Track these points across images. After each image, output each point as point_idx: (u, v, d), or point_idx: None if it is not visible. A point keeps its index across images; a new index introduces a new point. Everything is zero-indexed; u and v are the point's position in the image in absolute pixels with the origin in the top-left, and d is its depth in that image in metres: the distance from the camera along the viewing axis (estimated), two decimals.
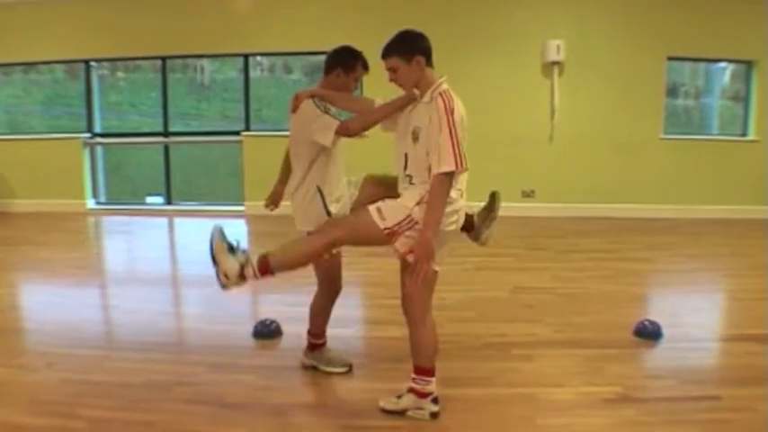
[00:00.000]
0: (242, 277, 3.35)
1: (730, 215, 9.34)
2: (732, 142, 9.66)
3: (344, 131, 3.48)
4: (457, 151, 3.07)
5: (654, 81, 9.35)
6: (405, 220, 3.21)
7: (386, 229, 3.22)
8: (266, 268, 3.35)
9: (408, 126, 3.29)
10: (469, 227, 3.78)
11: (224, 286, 3.38)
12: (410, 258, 3.21)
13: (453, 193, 3.21)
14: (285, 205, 3.87)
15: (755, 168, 9.36)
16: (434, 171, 3.11)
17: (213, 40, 9.68)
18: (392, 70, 3.28)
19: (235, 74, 10.89)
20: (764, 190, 9.32)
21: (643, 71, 9.27)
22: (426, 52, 3.25)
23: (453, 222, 3.28)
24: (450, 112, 3.10)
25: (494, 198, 3.87)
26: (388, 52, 3.26)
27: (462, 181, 3.28)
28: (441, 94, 3.16)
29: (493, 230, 3.85)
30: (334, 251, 3.71)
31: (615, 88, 9.29)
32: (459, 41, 9.16)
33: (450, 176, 3.10)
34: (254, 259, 3.36)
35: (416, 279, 3.14)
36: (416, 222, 3.19)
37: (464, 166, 3.10)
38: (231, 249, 3.39)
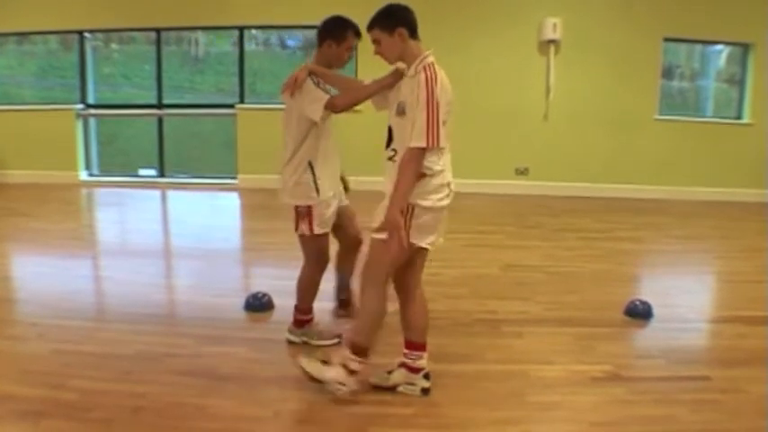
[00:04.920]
0: (352, 373, 3.36)
1: (722, 197, 9.36)
2: (726, 125, 9.67)
3: (332, 107, 3.52)
4: (432, 128, 3.05)
5: (650, 62, 9.33)
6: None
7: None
8: (361, 351, 3.37)
9: (396, 102, 3.29)
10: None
11: (345, 392, 3.39)
12: (378, 236, 3.21)
13: (437, 166, 3.19)
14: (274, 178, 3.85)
15: (749, 151, 9.38)
16: (407, 145, 3.10)
17: (208, 13, 9.59)
18: (376, 42, 3.28)
19: (229, 47, 10.84)
20: (757, 173, 9.34)
21: (639, 51, 9.24)
22: (410, 24, 3.23)
23: (445, 197, 3.26)
24: (431, 87, 3.07)
25: None
26: (371, 24, 3.27)
27: (445, 155, 3.25)
28: (425, 67, 3.14)
29: None
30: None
31: (611, 68, 9.26)
32: (457, 17, 9.10)
33: (421, 152, 3.09)
34: (347, 352, 3.37)
35: (390, 252, 3.16)
36: (413, 206, 3.18)
37: (436, 143, 3.07)
38: (323, 362, 3.43)
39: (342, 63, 3.78)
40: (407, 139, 3.10)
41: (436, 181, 3.20)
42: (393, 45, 3.23)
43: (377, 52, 3.31)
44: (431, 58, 3.20)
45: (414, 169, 3.10)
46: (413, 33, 3.24)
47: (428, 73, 3.10)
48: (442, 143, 3.10)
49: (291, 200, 3.75)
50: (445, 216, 3.35)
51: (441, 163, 3.22)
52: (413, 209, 3.19)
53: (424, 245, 3.28)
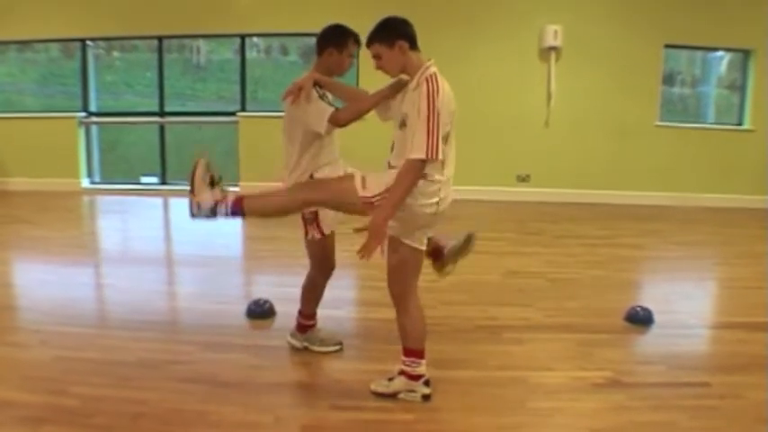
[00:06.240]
0: (213, 213, 3.36)
1: (723, 204, 9.37)
2: (727, 131, 9.67)
3: (335, 121, 3.47)
4: (432, 140, 3.02)
5: (651, 68, 9.34)
6: (383, 192, 3.17)
7: (363, 197, 3.20)
8: (239, 209, 3.36)
9: (400, 114, 3.28)
10: (437, 256, 3.81)
11: (193, 215, 3.38)
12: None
13: (440, 176, 3.19)
14: None
15: (750, 158, 9.40)
16: (406, 155, 3.08)
17: (209, 21, 9.62)
18: (377, 57, 3.26)
19: (230, 55, 10.86)
20: (758, 179, 9.35)
21: (640, 58, 9.25)
22: (409, 37, 3.22)
23: (434, 204, 3.21)
24: (432, 98, 3.05)
25: (469, 241, 3.89)
26: (371, 40, 3.25)
27: (450, 165, 3.25)
28: (427, 79, 3.11)
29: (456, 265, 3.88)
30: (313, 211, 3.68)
31: (612, 75, 9.27)
32: (457, 25, 9.13)
33: (420, 164, 3.06)
34: (230, 197, 3.37)
35: (365, 255, 3.14)
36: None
37: (436, 155, 3.04)
38: (212, 183, 3.39)
39: (343, 70, 3.75)
40: (407, 150, 3.10)
41: (430, 188, 3.18)
42: (394, 58, 3.22)
43: (378, 67, 3.30)
44: (433, 69, 3.18)
45: (410, 181, 3.08)
46: (412, 45, 3.23)
47: (430, 84, 3.08)
48: (441, 156, 3.08)
49: None
50: (431, 227, 3.37)
51: (444, 174, 3.21)
52: None
53: (407, 242, 3.31)
